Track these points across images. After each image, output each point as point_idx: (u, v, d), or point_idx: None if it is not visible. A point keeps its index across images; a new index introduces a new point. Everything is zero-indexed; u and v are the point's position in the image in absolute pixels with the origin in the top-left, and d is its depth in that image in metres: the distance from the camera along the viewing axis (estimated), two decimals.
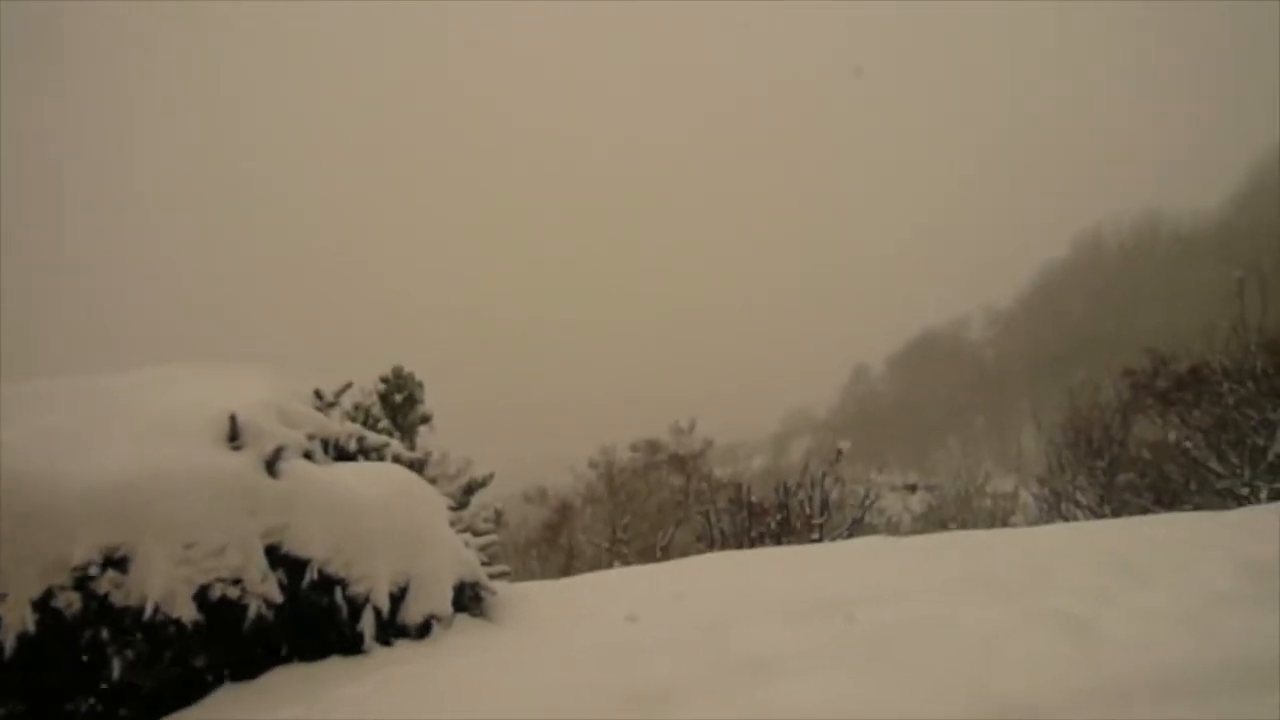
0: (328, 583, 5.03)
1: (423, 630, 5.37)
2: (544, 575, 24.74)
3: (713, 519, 16.47)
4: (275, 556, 4.86)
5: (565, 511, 30.39)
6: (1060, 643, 4.69)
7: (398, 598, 5.31)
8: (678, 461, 30.62)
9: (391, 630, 5.29)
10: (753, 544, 15.19)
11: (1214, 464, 15.68)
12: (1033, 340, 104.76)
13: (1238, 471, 15.27)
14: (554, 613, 5.98)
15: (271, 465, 5.00)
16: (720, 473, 33.47)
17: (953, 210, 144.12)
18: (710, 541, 16.60)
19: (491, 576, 6.24)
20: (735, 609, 5.56)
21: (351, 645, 5.08)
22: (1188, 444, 16.43)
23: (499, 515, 15.65)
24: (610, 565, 23.94)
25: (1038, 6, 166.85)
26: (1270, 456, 14.90)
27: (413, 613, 5.32)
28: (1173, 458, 17.39)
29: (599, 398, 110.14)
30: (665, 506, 28.51)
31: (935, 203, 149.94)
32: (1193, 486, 16.79)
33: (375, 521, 5.26)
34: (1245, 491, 14.97)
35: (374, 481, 5.55)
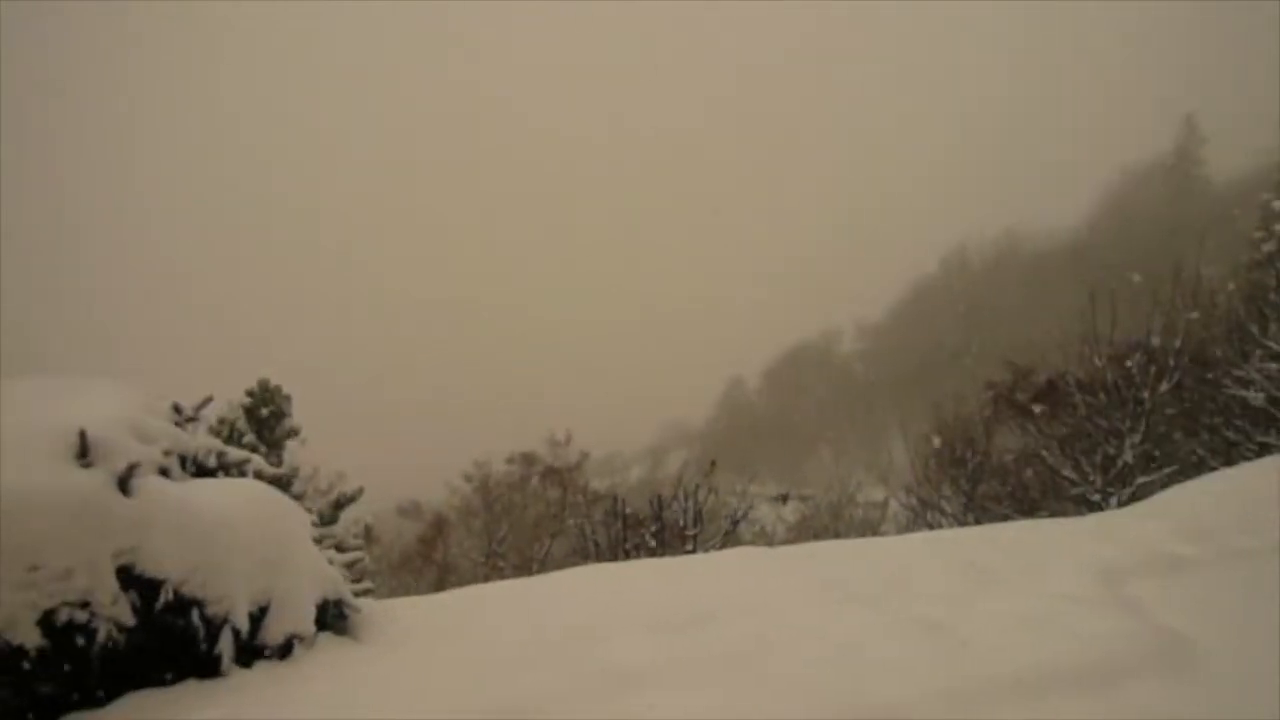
0: (184, 604, 4.86)
1: (284, 650, 5.23)
2: (418, 590, 24.36)
3: (588, 531, 16.47)
4: (128, 578, 4.67)
5: (440, 525, 30.00)
6: (921, 647, 4.83)
7: (258, 618, 5.17)
8: (554, 474, 30.54)
9: (251, 651, 5.13)
10: (628, 556, 15.24)
11: (1068, 472, 16.34)
12: (901, 353, 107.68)
13: (1090, 479, 15.93)
14: (421, 629, 5.89)
15: (124, 483, 4.81)
16: (597, 484, 33.51)
17: (825, 226, 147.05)
18: (586, 554, 16.60)
19: (357, 594, 6.13)
20: (606, 621, 5.58)
21: (209, 668, 4.91)
22: (1044, 453, 17.09)
23: (369, 531, 15.37)
24: (486, 579, 23.73)
25: (908, 30, 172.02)
26: (1120, 464, 15.59)
27: (273, 633, 5.19)
28: (1031, 466, 18.11)
29: (474, 410, 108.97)
30: (541, 519, 28.37)
31: (808, 218, 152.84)
32: (1049, 494, 17.50)
33: (234, 540, 5.11)
34: (1097, 498, 15.63)
35: (234, 499, 5.39)
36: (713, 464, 16.77)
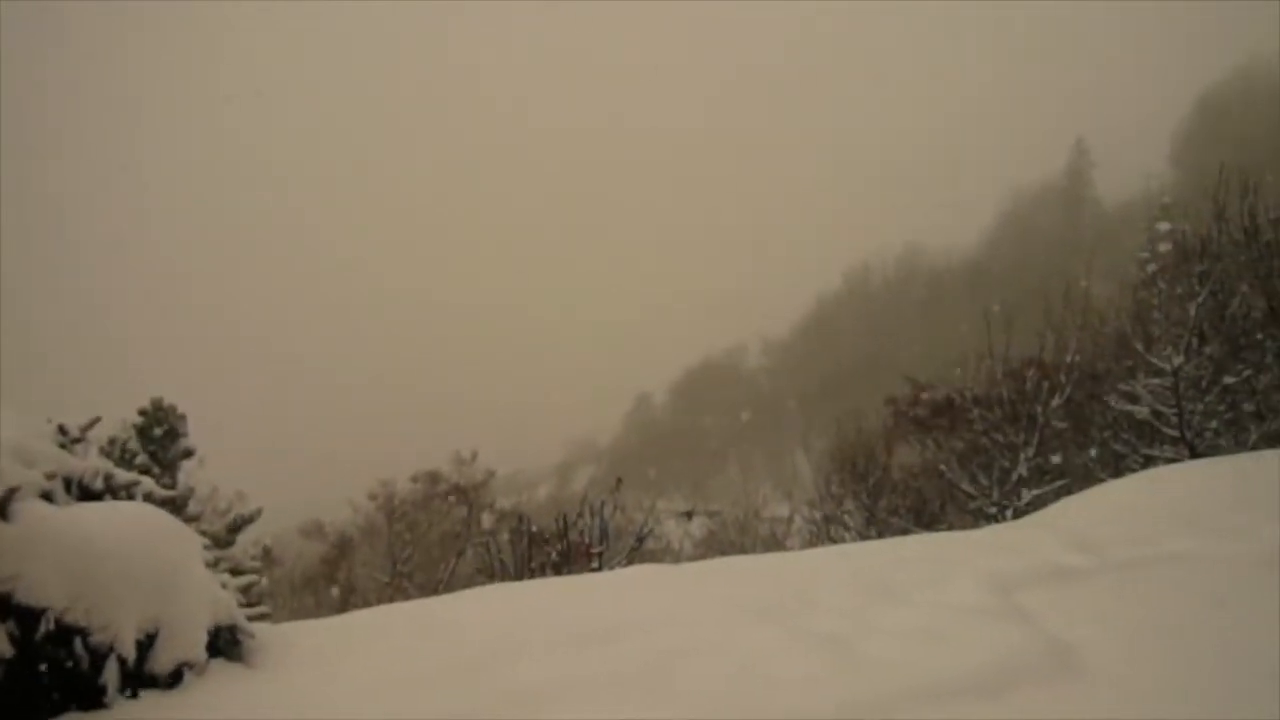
0: (66, 633, 4.70)
1: (173, 679, 5.07)
2: (320, 612, 23.89)
3: (493, 550, 16.30)
4: (6, 607, 4.50)
5: (343, 545, 29.51)
6: (822, 661, 4.89)
7: (146, 646, 5.01)
8: (460, 492, 30.26)
9: (139, 680, 4.97)
10: (533, 574, 15.12)
11: (966, 485, 16.71)
12: (806, 368, 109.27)
13: (987, 492, 16.32)
14: (319, 652, 5.77)
15: (3, 509, 4.64)
16: (504, 502, 33.26)
17: (730, 242, 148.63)
18: (491, 573, 16.42)
19: (252, 618, 5.99)
20: (509, 641, 5.53)
21: (92, 699, 4.75)
22: (943, 467, 17.46)
23: (268, 552, 15.05)
24: (391, 600, 23.39)
25: (813, 52, 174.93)
26: (1014, 477, 16.00)
27: (162, 661, 5.03)
28: (930, 480, 18.50)
29: (380, 427, 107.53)
30: (447, 538, 28.07)
31: (712, 235, 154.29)
32: (948, 507, 17.89)
33: (120, 565, 4.95)
34: (994, 510, 16.01)
35: (120, 522, 5.23)
36: (618, 481, 16.74)
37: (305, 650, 5.81)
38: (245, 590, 6.78)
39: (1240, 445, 13.71)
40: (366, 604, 22.04)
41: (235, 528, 13.03)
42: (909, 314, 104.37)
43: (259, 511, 13.71)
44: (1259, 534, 7.29)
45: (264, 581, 11.32)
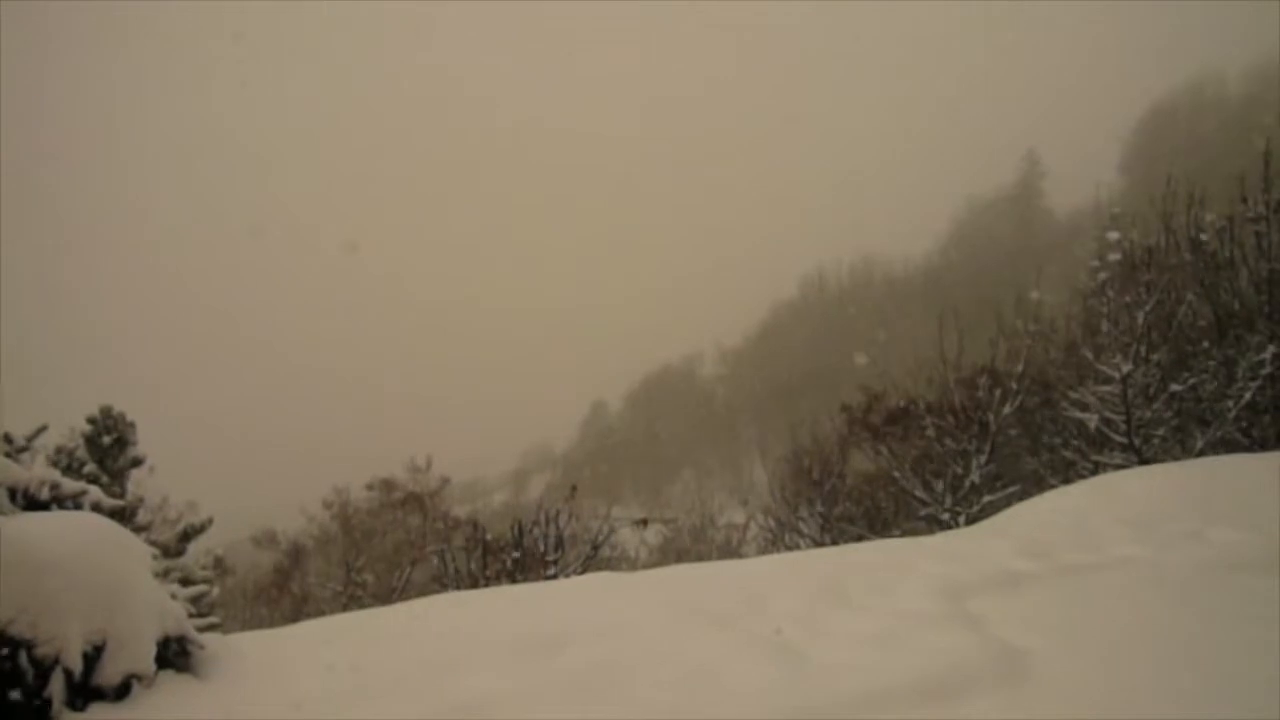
0: (11, 645, 4.61)
1: (121, 691, 4.99)
2: (274, 622, 23.65)
3: (448, 558, 16.22)
4: None
5: (296, 555, 29.19)
6: (774, 667, 4.91)
7: (93, 658, 4.92)
8: (415, 500, 30.04)
9: (86, 693, 4.89)
10: (488, 582, 15.08)
11: (919, 492, 16.85)
12: (761, 376, 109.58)
13: (940, 498, 16.47)
14: (269, 663, 5.71)
15: None
16: (460, 510, 33.08)
17: (686, 250, 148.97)
18: (446, 582, 16.35)
19: (202, 629, 5.91)
20: (462, 649, 5.51)
21: (38, 712, 4.66)
22: (897, 474, 17.59)
23: (219, 562, 14.85)
24: (345, 609, 23.17)
25: (773, 62, 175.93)
26: (967, 484, 16.16)
27: (109, 673, 4.95)
28: (884, 487, 18.64)
29: (335, 435, 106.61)
30: (402, 547, 27.85)
31: (670, 242, 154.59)
32: (902, 514, 18.03)
33: (66, 576, 4.86)
34: (946, 517, 16.16)
35: (67, 533, 5.14)
36: (573, 489, 16.71)
37: (256, 661, 5.74)
38: (195, 601, 6.68)
39: (1186, 452, 13.93)
40: (320, 613, 21.84)
41: (186, 537, 12.84)
42: (864, 322, 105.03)
43: (210, 520, 13.51)
44: (1206, 539, 7.43)
45: (215, 591, 11.15)
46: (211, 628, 6.38)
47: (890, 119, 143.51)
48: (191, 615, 6.07)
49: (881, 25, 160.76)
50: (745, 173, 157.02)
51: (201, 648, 5.54)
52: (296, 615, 24.36)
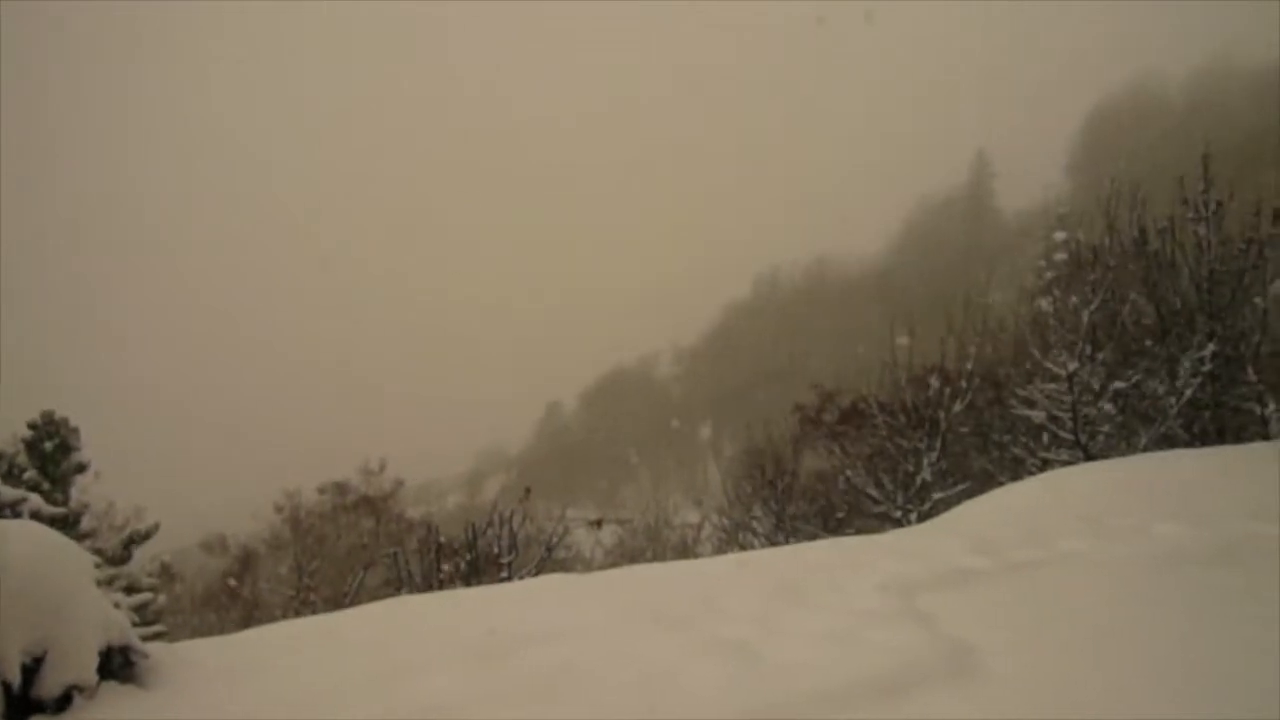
0: None
1: (61, 703, 4.89)
2: (224, 629, 23.36)
3: (401, 562, 16.11)
4: None
5: (247, 560, 28.89)
6: (726, 668, 4.91)
7: (32, 669, 4.82)
8: (368, 503, 29.85)
9: (25, 706, 4.79)
10: (442, 585, 14.99)
11: (872, 490, 16.98)
12: (716, 376, 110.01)
13: (892, 496, 16.60)
14: (217, 672, 5.63)
15: None
16: (414, 513, 32.94)
17: (641, 250, 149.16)
18: (399, 585, 16.24)
19: (147, 637, 5.81)
20: (414, 654, 5.47)
21: None
22: (849, 473, 17.72)
23: (166, 569, 14.64)
24: (297, 614, 22.96)
25: (720, 63, 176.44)
26: (918, 482, 16.31)
27: (49, 685, 4.85)
28: (837, 486, 18.77)
29: (287, 438, 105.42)
30: (355, 550, 27.65)
31: (624, 242, 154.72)
32: (855, 512, 18.16)
33: (5, 586, 4.76)
34: (898, 515, 16.30)
35: (3, 542, 5.03)
36: (527, 490, 16.68)
37: (202, 669, 5.66)
38: (140, 609, 6.56)
39: (1131, 448, 14.15)
40: (271, 619, 21.61)
41: (131, 544, 12.62)
42: (818, 322, 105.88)
43: (156, 526, 13.30)
44: (1150, 533, 7.55)
45: (162, 599, 10.99)
46: (157, 636, 6.28)
47: (843, 119, 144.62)
48: (136, 624, 5.96)
49: (834, 27, 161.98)
50: (699, 174, 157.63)
51: (146, 657, 5.45)
52: (247, 622, 24.09)
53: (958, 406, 16.69)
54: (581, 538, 29.21)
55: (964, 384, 16.77)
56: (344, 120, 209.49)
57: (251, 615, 25.45)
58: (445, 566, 15.43)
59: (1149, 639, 5.31)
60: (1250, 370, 14.23)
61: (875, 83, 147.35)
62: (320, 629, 6.91)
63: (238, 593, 27.34)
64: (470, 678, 4.92)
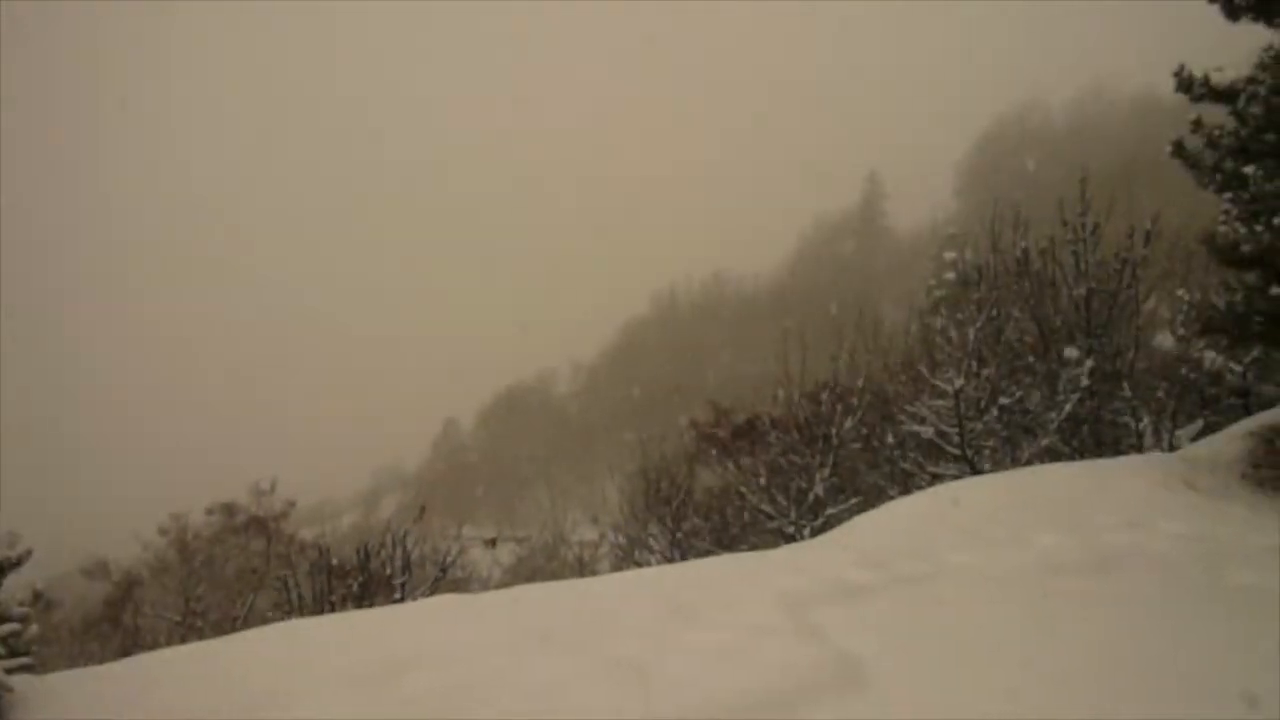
0: None
1: None
2: (104, 658, 22.50)
3: (291, 584, 15.73)
4: None
5: (129, 585, 27.85)
6: (618, 687, 4.91)
7: None
8: (258, 524, 29.05)
9: None
10: (333, 608, 14.67)
11: (766, 506, 17.09)
12: (615, 393, 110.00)
13: (785, 512, 16.74)
14: (88, 704, 5.42)
15: None
16: (307, 533, 32.14)
17: (538, 265, 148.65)
18: (289, 609, 15.86)
19: (13, 669, 5.55)
20: (299, 679, 5.34)
21: None
22: (743, 489, 17.84)
23: (39, 597, 13.99)
24: (183, 641, 22.20)
25: (628, 80, 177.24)
26: (811, 497, 16.49)
27: None
28: (732, 502, 18.88)
29: (173, 461, 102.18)
30: (244, 573, 26.84)
31: (521, 258, 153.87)
32: (749, 528, 18.30)
33: None
34: (792, 530, 16.44)
35: None
36: (421, 509, 16.45)
37: (74, 702, 5.45)
38: (6, 640, 6.26)
39: (1015, 461, 14.54)
40: (155, 646, 20.88)
41: (0, 571, 12.04)
42: (715, 339, 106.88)
43: (29, 552, 12.65)
44: (1030, 543, 7.78)
45: (34, 629, 10.49)
46: (24, 669, 6.01)
47: (738, 139, 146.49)
48: (2, 656, 5.70)
49: (733, 42, 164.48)
50: (596, 191, 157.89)
51: (10, 690, 5.22)
52: (129, 650, 23.24)
53: (849, 422, 16.93)
54: (479, 557, 28.92)
55: (855, 400, 17.04)
56: (247, 130, 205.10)
57: (134, 643, 24.55)
58: (337, 589, 15.12)
59: (1030, 648, 5.47)
60: (1126, 385, 14.79)
61: (770, 102, 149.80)
62: (201, 656, 6.71)
63: (119, 620, 26.34)
64: (354, 703, 4.83)
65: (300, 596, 15.64)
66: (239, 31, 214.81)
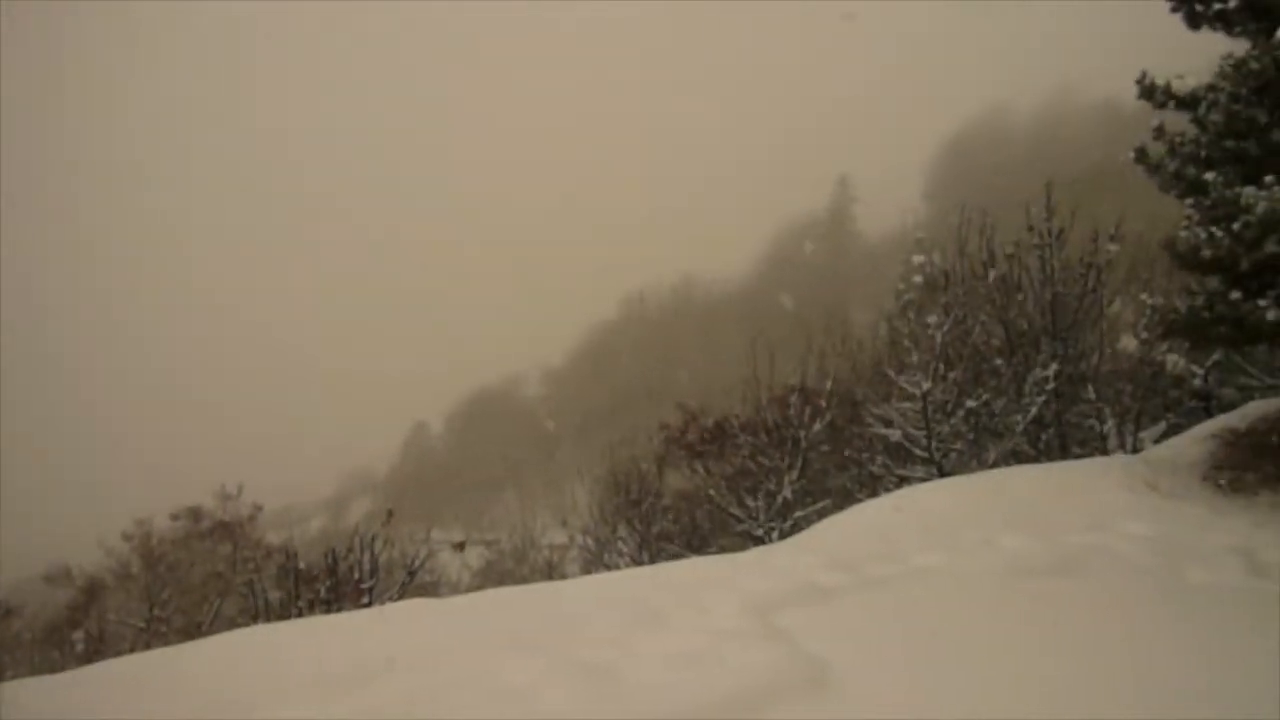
0: None
1: None
2: (67, 665, 22.25)
3: (258, 589, 15.63)
4: None
5: (93, 591, 27.52)
6: (585, 690, 4.91)
7: None
8: (224, 529, 28.78)
9: None
10: (300, 613, 14.59)
11: (735, 509, 17.16)
12: (584, 396, 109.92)
13: (754, 515, 16.81)
14: (49, 712, 5.37)
15: None
16: (274, 538, 31.87)
17: (507, 269, 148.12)
18: (256, 614, 15.76)
19: None
20: (265, 685, 5.31)
21: None
22: (712, 492, 17.89)
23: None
24: (147, 647, 21.98)
25: (594, 81, 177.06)
26: (780, 500, 16.57)
27: None
28: (701, 505, 18.94)
29: (138, 466, 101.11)
30: (210, 579, 26.59)
31: (490, 262, 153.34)
32: (718, 531, 18.35)
33: None
34: (761, 533, 16.50)
35: None
36: (389, 513, 16.38)
37: (34, 709, 5.39)
38: None
39: (981, 464, 14.65)
40: (119, 653, 20.67)
41: None
42: (684, 342, 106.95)
43: None
44: (997, 546, 7.85)
45: None
46: None
47: (709, 141, 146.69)
48: None
49: (702, 45, 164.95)
50: (567, 193, 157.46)
51: None
52: (92, 657, 22.98)
53: (818, 425, 17.02)
54: (448, 560, 28.79)
55: (824, 403, 17.14)
56: (219, 133, 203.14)
57: (98, 650, 24.27)
58: (305, 593, 15.03)
59: (995, 649, 5.52)
60: (1090, 388, 14.96)
61: (741, 106, 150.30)
62: (166, 662, 6.66)
63: (83, 626, 26.04)
64: (322, 708, 4.81)
65: (267, 602, 15.56)
66: (217, 32, 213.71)
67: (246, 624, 14.93)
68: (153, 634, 24.45)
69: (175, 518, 28.99)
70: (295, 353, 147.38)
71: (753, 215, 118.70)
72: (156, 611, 25.28)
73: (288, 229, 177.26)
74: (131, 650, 21.81)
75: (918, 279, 16.76)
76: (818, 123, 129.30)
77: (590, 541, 21.11)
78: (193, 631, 22.72)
